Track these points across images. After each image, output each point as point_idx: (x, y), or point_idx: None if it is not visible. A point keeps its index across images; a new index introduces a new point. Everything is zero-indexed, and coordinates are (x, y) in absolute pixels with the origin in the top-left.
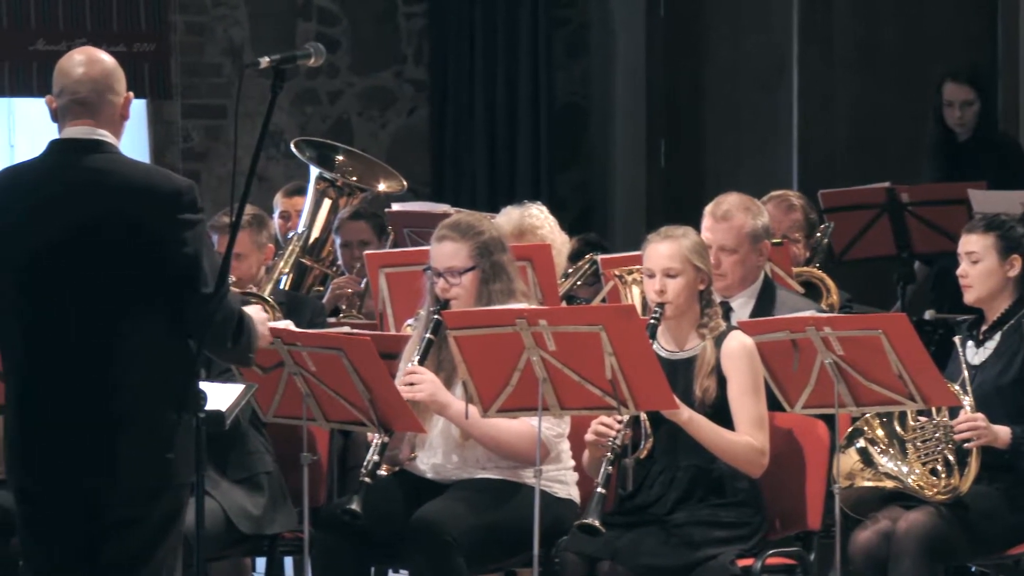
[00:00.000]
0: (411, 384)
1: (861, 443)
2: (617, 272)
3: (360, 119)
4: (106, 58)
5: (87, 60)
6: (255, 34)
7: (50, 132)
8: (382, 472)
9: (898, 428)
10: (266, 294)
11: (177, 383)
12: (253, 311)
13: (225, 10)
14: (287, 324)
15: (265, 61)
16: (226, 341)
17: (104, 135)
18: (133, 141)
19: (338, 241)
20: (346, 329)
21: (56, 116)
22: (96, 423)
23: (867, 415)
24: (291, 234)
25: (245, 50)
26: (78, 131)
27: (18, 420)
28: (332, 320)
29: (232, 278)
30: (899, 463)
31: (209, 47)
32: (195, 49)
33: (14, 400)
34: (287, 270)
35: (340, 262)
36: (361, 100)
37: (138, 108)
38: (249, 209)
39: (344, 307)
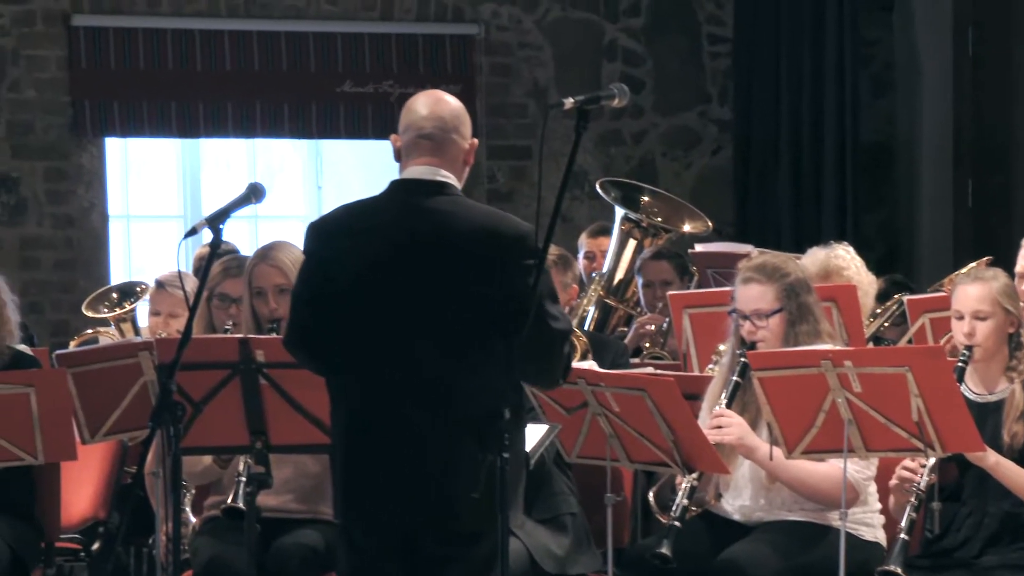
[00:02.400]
0: (719, 427)
1: None
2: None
3: (664, 159)
4: (453, 101)
5: (435, 100)
6: (560, 75)
7: (357, 174)
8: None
9: None
10: None
11: (490, 423)
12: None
13: (530, 51)
14: (590, 365)
15: (569, 102)
16: (559, 377)
17: (447, 176)
18: None
19: (640, 281)
20: (649, 370)
21: (399, 155)
22: (422, 461)
23: None
24: (595, 274)
25: (550, 91)
26: (420, 171)
27: (345, 453)
28: (635, 360)
29: None
30: None
31: (514, 88)
32: (500, 90)
33: (342, 433)
34: (590, 310)
35: (643, 302)
36: (665, 140)
37: None
38: (553, 249)
39: (647, 346)
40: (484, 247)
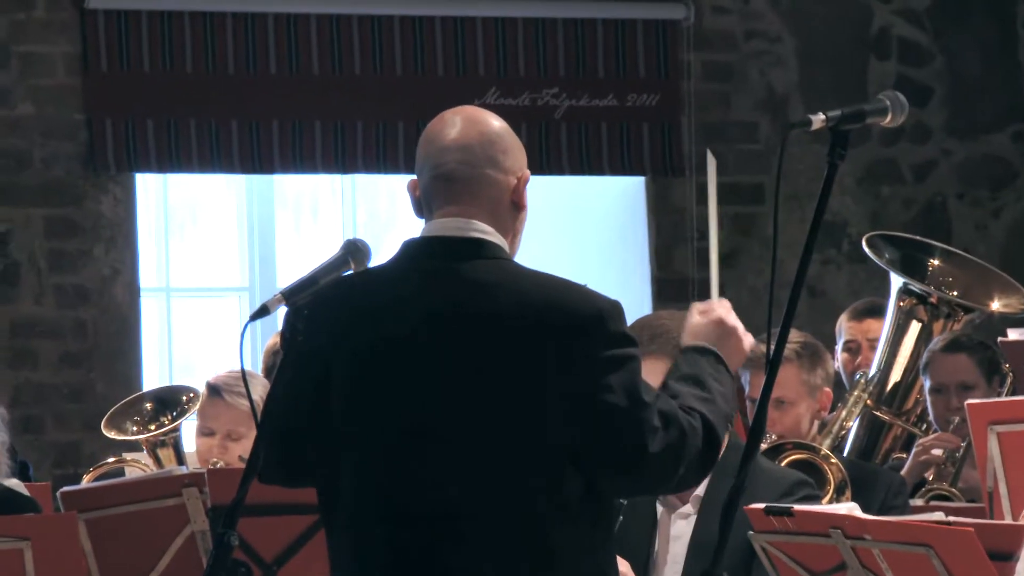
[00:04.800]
0: None
1: None
2: None
3: (961, 203)
4: (492, 120)
5: (462, 121)
6: (805, 79)
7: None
8: None
9: None
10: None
11: None
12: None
13: (763, 43)
14: (850, 508)
15: (819, 119)
16: (703, 475)
17: (485, 231)
18: (628, 235)
19: (927, 384)
20: (938, 515)
21: (419, 207)
22: None
23: None
24: (859, 374)
25: (791, 102)
26: (445, 224)
27: None
28: (916, 502)
29: None
30: None
31: (738, 98)
32: (718, 101)
33: (346, 563)
34: (852, 426)
35: (931, 415)
36: (963, 176)
37: (634, 189)
38: (796, 336)
39: (932, 480)
40: (543, 332)
